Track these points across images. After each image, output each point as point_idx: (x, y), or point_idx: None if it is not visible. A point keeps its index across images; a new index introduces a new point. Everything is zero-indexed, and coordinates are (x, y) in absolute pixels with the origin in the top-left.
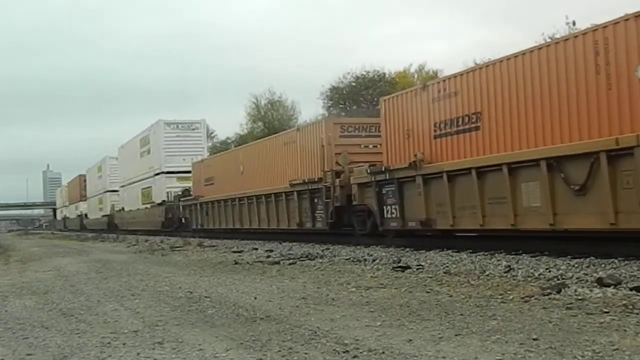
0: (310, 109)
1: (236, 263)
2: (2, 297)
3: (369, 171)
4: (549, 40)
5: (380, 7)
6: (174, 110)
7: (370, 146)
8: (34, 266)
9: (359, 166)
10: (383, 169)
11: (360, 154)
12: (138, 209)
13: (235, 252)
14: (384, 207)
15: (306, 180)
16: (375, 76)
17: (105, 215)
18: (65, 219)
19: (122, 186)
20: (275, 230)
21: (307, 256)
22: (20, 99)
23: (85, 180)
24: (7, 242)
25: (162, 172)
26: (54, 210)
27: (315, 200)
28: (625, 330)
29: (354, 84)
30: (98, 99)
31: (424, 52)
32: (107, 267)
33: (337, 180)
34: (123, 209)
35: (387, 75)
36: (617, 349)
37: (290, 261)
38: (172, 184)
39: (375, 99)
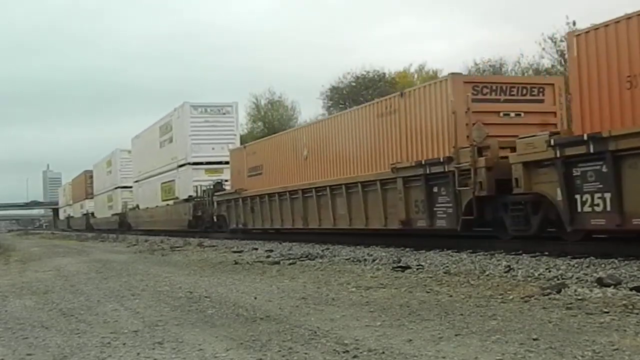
0: (310, 109)
1: (236, 263)
2: (2, 297)
3: (553, 142)
4: (549, 40)
5: (380, 7)
6: None
7: (512, 114)
8: (34, 266)
9: (527, 136)
10: (585, 138)
11: (498, 126)
12: (157, 207)
13: (235, 252)
14: (579, 195)
15: (422, 162)
16: (375, 76)
17: (116, 214)
18: (69, 218)
19: (137, 181)
20: (361, 231)
21: (307, 256)
22: (20, 99)
23: (91, 177)
24: (7, 242)
25: (188, 163)
26: (54, 210)
27: (435, 190)
28: (625, 330)
29: (354, 84)
30: (98, 99)
31: (424, 52)
32: (107, 267)
33: (482, 159)
34: (137, 206)
35: (387, 75)
36: (617, 349)
37: (290, 261)
38: (200, 177)
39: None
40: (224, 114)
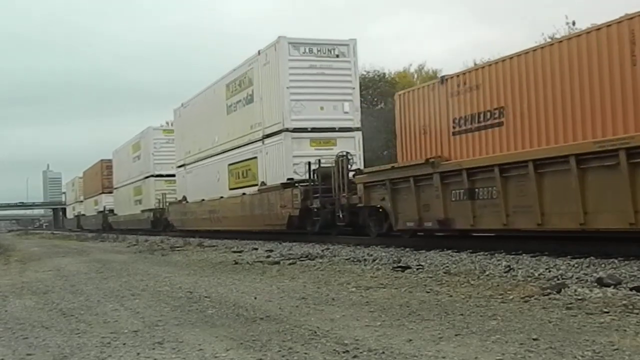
0: None
1: (236, 263)
2: (2, 297)
3: None
4: (549, 40)
5: (379, 7)
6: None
7: None
8: (34, 266)
9: None
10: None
11: None
12: (222, 198)
13: (235, 252)
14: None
15: None
16: (376, 76)
17: (148, 210)
18: (79, 217)
19: (183, 166)
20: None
21: (307, 256)
22: (21, 99)
23: (109, 167)
24: (7, 242)
25: (286, 130)
26: (54, 209)
27: None
28: (625, 330)
29: None
30: (98, 99)
31: (424, 52)
32: (107, 267)
33: None
34: (184, 199)
35: (387, 75)
36: (617, 349)
37: (290, 261)
38: (303, 150)
39: (376, 99)
40: (337, 56)
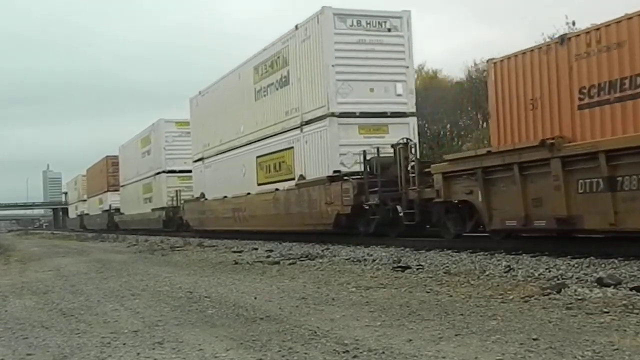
0: None
1: (236, 263)
2: (2, 297)
3: None
4: (549, 40)
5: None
6: (176, 112)
7: None
8: (34, 266)
9: None
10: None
11: None
12: (249, 195)
13: (235, 252)
14: None
15: None
16: None
17: (160, 209)
18: (82, 216)
19: (200, 160)
20: None
21: (307, 256)
22: (21, 99)
23: (115, 164)
24: (7, 242)
25: (331, 115)
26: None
27: None
28: (625, 330)
29: None
30: (98, 99)
31: (424, 51)
32: (107, 267)
33: None
34: (203, 196)
35: None
36: (617, 349)
37: (290, 261)
38: (350, 138)
39: None
40: (389, 30)
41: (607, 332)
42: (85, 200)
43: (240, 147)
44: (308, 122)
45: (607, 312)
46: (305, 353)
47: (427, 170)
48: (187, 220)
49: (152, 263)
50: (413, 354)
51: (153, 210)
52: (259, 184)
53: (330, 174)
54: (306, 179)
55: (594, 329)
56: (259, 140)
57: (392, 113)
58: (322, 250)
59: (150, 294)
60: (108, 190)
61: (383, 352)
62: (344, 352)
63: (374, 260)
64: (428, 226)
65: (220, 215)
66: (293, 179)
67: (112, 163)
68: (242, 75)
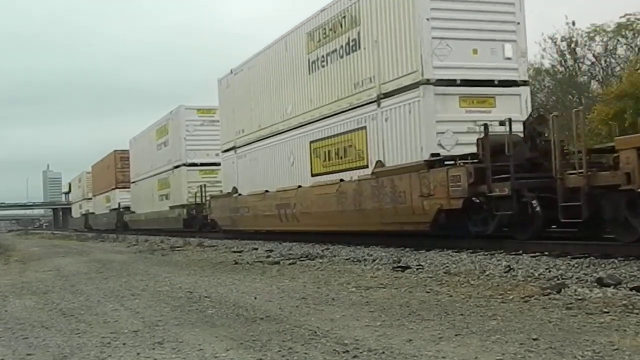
0: None
1: (236, 263)
2: (2, 297)
3: None
4: (549, 40)
5: None
6: None
7: None
8: (34, 266)
9: None
10: None
11: None
12: (303, 187)
13: (235, 252)
14: None
15: None
16: None
17: (179, 207)
18: (87, 215)
19: (233, 148)
20: None
21: (307, 256)
22: (21, 99)
23: (124, 158)
24: (7, 242)
25: (426, 83)
26: (54, 209)
27: None
28: (625, 330)
29: None
30: (98, 99)
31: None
32: (107, 267)
33: None
34: (235, 191)
35: None
36: (617, 349)
37: (290, 261)
38: (449, 113)
39: None
40: None
41: (607, 332)
42: (90, 199)
43: (287, 131)
44: (388, 95)
45: (607, 312)
46: (305, 353)
47: (566, 150)
48: (214, 219)
49: (152, 263)
50: (413, 354)
51: (171, 208)
52: (314, 175)
53: (427, 158)
54: (389, 166)
55: (594, 329)
56: (314, 122)
57: (499, 82)
58: (322, 250)
59: (150, 294)
60: (116, 187)
61: (383, 352)
62: (344, 352)
63: (374, 260)
64: (600, 226)
65: (260, 213)
66: (366, 166)
67: (121, 158)
68: (291, 44)
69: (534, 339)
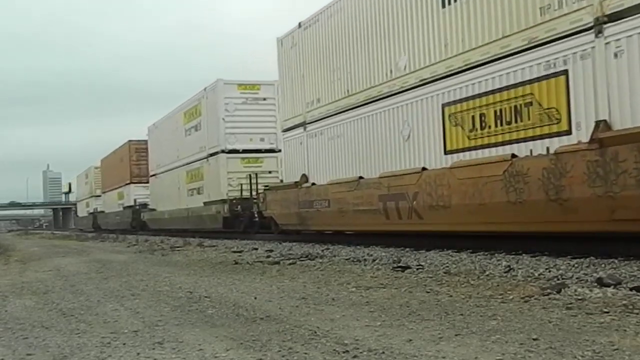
0: None
1: (236, 263)
2: (2, 297)
3: None
4: None
5: None
6: None
7: None
8: (34, 266)
9: None
10: None
11: None
12: (429, 170)
13: (235, 252)
14: None
15: None
16: None
17: (219, 203)
18: (95, 214)
19: (302, 124)
20: None
21: (307, 256)
22: (21, 99)
23: (142, 149)
24: (7, 242)
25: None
26: (54, 209)
27: None
28: (625, 330)
29: None
30: (98, 99)
31: None
32: (107, 267)
33: None
34: (306, 179)
35: None
36: (617, 349)
37: (290, 261)
38: None
39: None
40: None
41: (607, 332)
42: (99, 196)
43: (398, 93)
44: (619, 15)
45: (607, 312)
46: (305, 353)
47: None
48: (271, 216)
49: (152, 263)
50: (413, 354)
51: (206, 204)
52: (450, 151)
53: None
54: (620, 129)
55: (594, 329)
56: (451, 76)
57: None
58: (322, 250)
59: (150, 294)
60: (131, 182)
61: (383, 352)
62: (344, 352)
63: (374, 260)
64: None
65: (349, 209)
66: (567, 132)
67: (136, 149)
68: None
69: (534, 339)
